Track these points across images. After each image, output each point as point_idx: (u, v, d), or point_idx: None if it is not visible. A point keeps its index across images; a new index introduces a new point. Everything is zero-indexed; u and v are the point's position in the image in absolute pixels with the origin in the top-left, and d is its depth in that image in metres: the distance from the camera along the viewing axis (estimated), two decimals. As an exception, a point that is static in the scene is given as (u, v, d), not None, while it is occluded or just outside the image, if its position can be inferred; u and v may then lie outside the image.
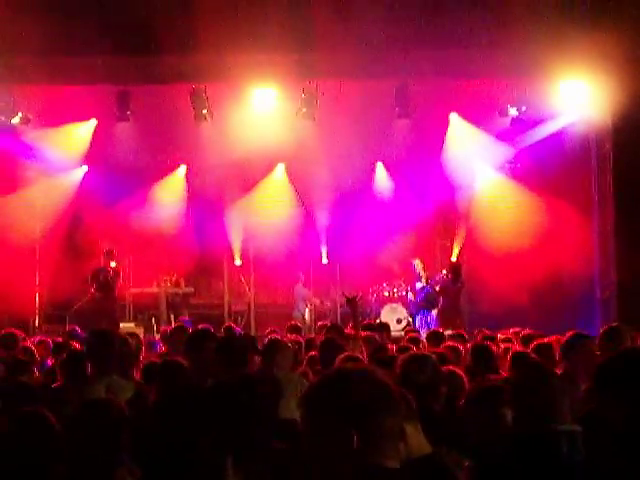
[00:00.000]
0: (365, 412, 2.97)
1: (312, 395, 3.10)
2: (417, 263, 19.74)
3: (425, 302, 19.42)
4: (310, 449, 3.03)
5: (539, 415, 4.79)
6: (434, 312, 19.24)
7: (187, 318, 15.57)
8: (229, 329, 13.01)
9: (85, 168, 20.99)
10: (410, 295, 20.14)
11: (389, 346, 9.69)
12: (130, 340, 8.36)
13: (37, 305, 21.03)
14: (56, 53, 16.83)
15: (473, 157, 20.59)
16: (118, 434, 4.85)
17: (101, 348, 7.23)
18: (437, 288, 19.13)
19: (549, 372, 5.38)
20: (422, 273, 19.59)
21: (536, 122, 19.46)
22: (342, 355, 7.38)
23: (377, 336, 10.65)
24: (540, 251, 19.01)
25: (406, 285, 20.34)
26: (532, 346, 8.51)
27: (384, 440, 3.01)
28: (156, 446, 5.27)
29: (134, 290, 20.53)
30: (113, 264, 18.96)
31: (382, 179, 21.79)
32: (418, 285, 19.65)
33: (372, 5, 16.60)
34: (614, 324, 8.54)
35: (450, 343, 9.88)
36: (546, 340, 8.85)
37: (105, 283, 18.55)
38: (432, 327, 18.42)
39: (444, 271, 19.71)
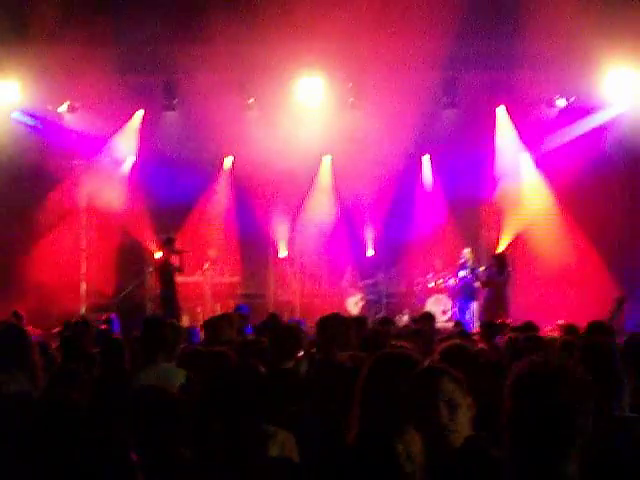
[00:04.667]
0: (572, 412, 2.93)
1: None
2: (467, 252, 19.62)
3: (464, 291, 19.38)
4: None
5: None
6: (474, 304, 19.19)
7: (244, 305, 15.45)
8: (274, 316, 13.00)
9: (133, 158, 21.10)
10: (452, 281, 20.09)
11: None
12: (180, 328, 8.40)
13: (83, 294, 21.16)
14: (103, 43, 16.93)
15: (519, 149, 20.45)
16: (172, 419, 4.94)
17: (154, 335, 7.28)
18: (478, 284, 19.07)
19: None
20: (469, 263, 19.48)
21: (585, 112, 19.26)
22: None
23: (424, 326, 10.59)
24: (587, 243, 18.89)
25: (451, 274, 20.27)
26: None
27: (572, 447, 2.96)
28: (207, 428, 5.28)
29: (179, 279, 20.64)
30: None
31: (428, 170, 21.74)
32: (461, 273, 19.57)
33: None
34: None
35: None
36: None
37: (167, 274, 18.47)
38: (471, 317, 18.50)
39: (482, 267, 19.65)
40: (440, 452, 3.91)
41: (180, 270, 18.72)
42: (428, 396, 4.11)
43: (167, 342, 7.36)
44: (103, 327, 13.08)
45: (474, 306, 19.32)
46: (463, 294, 19.46)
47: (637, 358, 6.52)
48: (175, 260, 18.56)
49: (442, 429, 4.06)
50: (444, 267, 20.72)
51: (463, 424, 4.10)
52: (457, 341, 6.80)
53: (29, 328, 13.20)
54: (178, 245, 19.01)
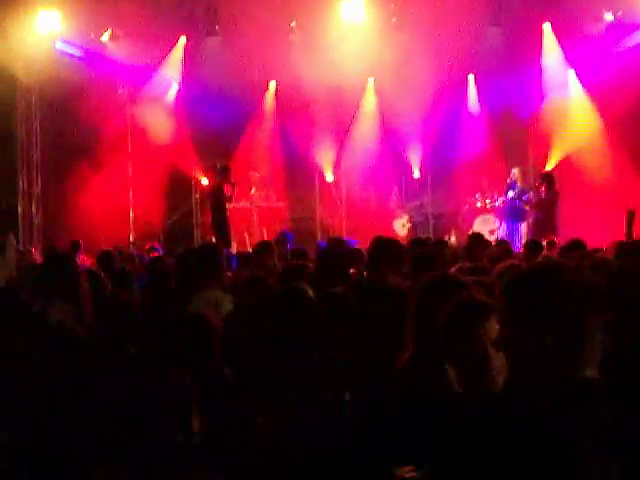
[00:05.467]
0: (573, 304, 2.84)
1: (520, 283, 2.99)
2: (515, 172, 19.34)
3: (512, 212, 19.23)
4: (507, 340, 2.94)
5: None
6: (522, 225, 19.06)
7: (288, 231, 15.40)
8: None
9: (177, 86, 21.10)
10: (499, 201, 19.92)
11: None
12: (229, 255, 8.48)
13: (131, 222, 21.34)
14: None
15: (566, 66, 20.18)
16: (212, 343, 5.15)
17: (206, 262, 7.36)
18: (527, 206, 18.92)
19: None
20: (518, 182, 19.30)
21: (634, 27, 18.91)
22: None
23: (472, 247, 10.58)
24: (626, 162, 18.71)
25: (499, 195, 20.09)
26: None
27: (584, 343, 2.84)
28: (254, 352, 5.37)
29: (226, 205, 20.70)
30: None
31: (473, 89, 21.53)
32: (510, 194, 19.40)
33: None
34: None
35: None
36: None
37: (221, 201, 18.40)
38: (519, 238, 18.36)
39: (531, 192, 19.47)
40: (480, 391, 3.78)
41: (230, 200, 18.71)
42: (470, 334, 3.87)
43: (217, 269, 7.42)
44: (152, 255, 13.19)
45: (523, 227, 19.19)
46: (511, 214, 19.30)
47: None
48: (228, 189, 18.51)
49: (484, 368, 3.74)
50: (492, 187, 20.53)
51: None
52: (514, 262, 6.77)
53: (82, 257, 13.45)
54: (232, 174, 18.90)
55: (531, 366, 2.81)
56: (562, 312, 2.79)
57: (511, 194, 19.25)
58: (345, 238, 13.67)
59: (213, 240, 17.38)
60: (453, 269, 6.78)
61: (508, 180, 19.35)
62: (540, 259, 9.18)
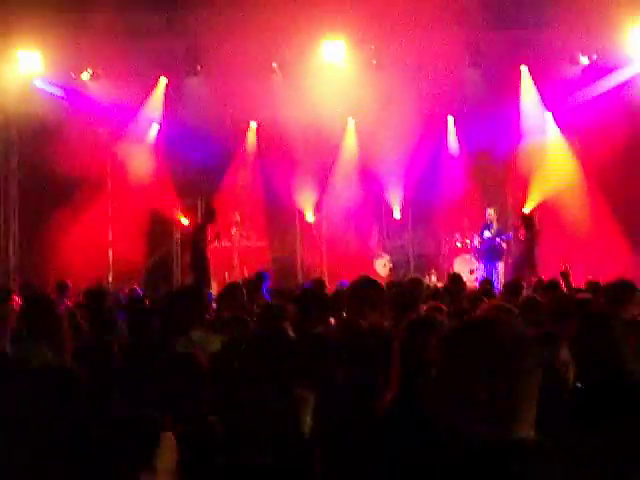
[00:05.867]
0: (508, 358, 2.77)
1: (456, 337, 2.97)
2: (490, 212, 19.62)
3: (490, 252, 19.37)
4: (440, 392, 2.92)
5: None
6: (500, 264, 19.20)
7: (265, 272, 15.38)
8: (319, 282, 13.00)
9: (157, 125, 21.15)
10: (476, 241, 20.03)
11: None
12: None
13: (110, 262, 21.26)
14: (125, 9, 16.90)
15: (543, 108, 20.37)
16: (201, 386, 5.04)
17: (187, 304, 7.34)
18: (504, 244, 19.11)
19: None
20: (494, 223, 19.48)
21: (608, 70, 19.12)
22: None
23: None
24: (603, 204, 18.86)
25: (476, 234, 20.20)
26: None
27: (518, 402, 2.76)
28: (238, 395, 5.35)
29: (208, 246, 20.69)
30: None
31: (452, 130, 21.68)
32: (486, 234, 19.56)
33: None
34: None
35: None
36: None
37: (203, 242, 18.28)
38: (497, 278, 18.44)
39: (510, 231, 19.71)
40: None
41: (215, 240, 18.69)
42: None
43: (200, 310, 7.42)
44: (130, 296, 13.13)
45: (500, 266, 19.32)
46: (489, 254, 19.45)
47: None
48: (213, 230, 18.49)
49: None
50: (471, 227, 20.65)
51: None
52: (499, 303, 6.80)
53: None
54: (217, 216, 18.86)
55: (466, 423, 2.79)
56: (494, 368, 2.77)
57: (487, 234, 19.42)
58: (342, 279, 13.61)
59: (192, 280, 17.34)
60: (425, 307, 6.91)
61: (485, 220, 19.53)
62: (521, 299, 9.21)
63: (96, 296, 10.46)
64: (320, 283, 12.24)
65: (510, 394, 2.72)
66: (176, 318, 7.30)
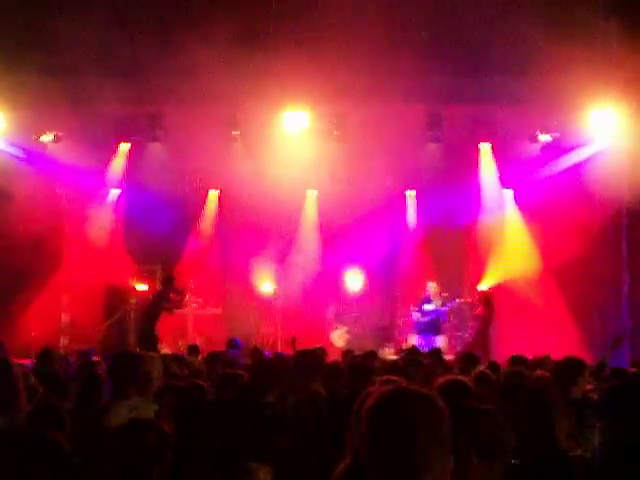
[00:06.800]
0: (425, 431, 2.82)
1: (376, 409, 2.95)
2: (431, 285, 19.76)
3: (430, 326, 19.45)
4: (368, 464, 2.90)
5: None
6: (439, 338, 19.27)
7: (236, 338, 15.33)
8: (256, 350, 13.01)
9: (117, 190, 21.09)
10: (416, 315, 20.04)
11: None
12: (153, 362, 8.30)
13: (64, 326, 21.01)
14: (86, 74, 16.91)
15: (502, 186, 20.57)
16: (163, 451, 4.93)
17: (126, 370, 7.19)
18: (449, 317, 19.28)
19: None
20: (435, 297, 19.59)
21: (568, 149, 19.33)
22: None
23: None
24: (564, 280, 18.97)
25: (415, 306, 20.25)
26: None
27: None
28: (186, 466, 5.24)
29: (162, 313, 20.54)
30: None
31: (412, 204, 21.82)
32: (427, 307, 19.63)
33: (404, 32, 16.68)
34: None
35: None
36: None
37: (159, 309, 18.13)
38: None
39: (457, 300, 19.83)
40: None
41: (178, 307, 18.60)
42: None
43: (138, 376, 7.26)
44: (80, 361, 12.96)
45: (440, 340, 19.34)
46: (427, 328, 19.53)
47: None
48: (174, 298, 18.37)
49: None
50: (415, 301, 20.70)
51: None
52: (455, 377, 6.78)
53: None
54: (178, 283, 18.78)
55: None
56: (408, 445, 2.77)
57: (427, 307, 19.52)
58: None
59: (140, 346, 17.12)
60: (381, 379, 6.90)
61: (426, 293, 19.65)
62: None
63: (44, 357, 10.36)
64: (258, 352, 12.50)
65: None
66: (115, 384, 7.17)
